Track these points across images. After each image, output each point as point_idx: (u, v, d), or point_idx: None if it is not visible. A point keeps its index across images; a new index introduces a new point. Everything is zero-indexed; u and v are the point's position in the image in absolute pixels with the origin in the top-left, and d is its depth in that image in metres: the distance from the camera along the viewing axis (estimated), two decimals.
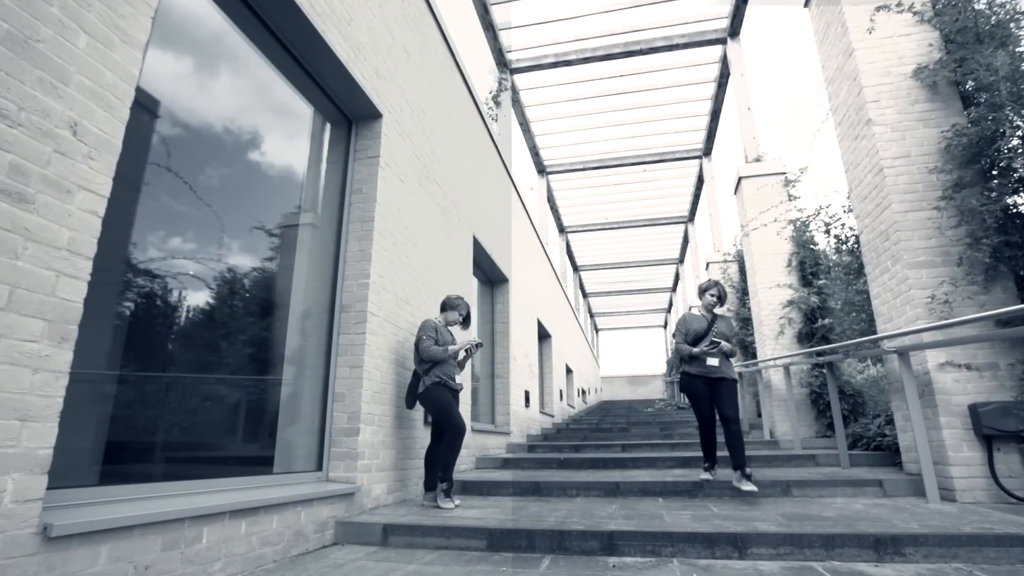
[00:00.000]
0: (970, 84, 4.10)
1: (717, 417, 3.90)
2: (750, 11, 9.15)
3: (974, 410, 3.52)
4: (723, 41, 9.57)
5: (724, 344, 3.83)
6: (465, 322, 4.15)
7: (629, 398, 26.85)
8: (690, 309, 4.73)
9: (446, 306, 4.06)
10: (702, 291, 4.08)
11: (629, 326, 33.29)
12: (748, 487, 3.60)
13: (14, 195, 1.53)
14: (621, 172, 13.76)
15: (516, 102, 10.95)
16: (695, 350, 3.90)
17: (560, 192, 15.27)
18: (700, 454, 5.84)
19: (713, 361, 3.83)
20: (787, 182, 7.90)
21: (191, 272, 2.55)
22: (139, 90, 2.06)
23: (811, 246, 7.48)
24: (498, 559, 2.61)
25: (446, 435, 3.67)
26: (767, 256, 7.61)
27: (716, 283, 4.02)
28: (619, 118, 11.73)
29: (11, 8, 1.55)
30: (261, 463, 2.95)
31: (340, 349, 3.50)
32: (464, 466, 5.43)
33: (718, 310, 4.13)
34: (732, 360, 3.99)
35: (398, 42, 4.34)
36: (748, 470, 3.69)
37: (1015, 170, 3.68)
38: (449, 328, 4.04)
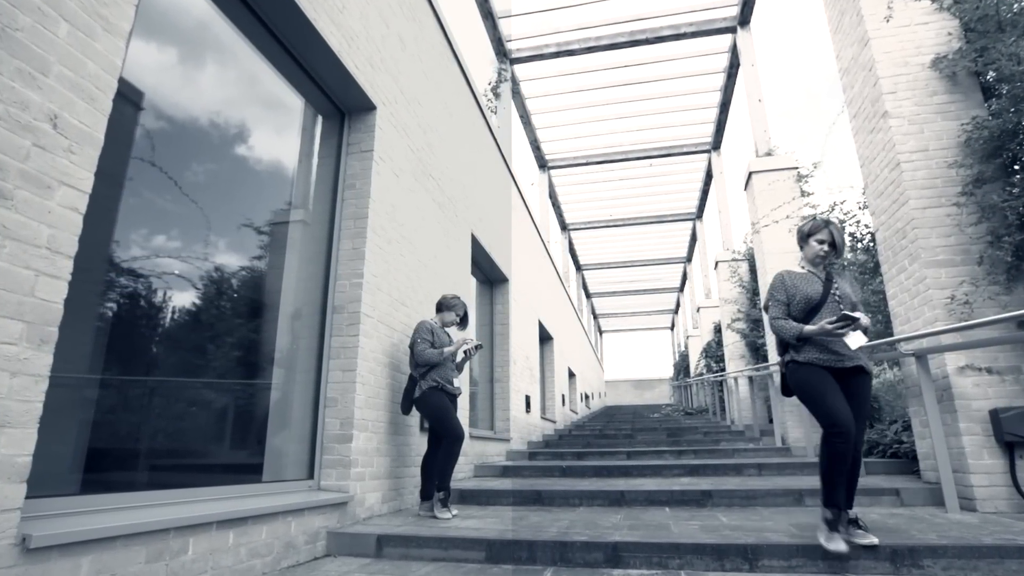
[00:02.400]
0: (991, 75, 4.10)
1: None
2: None
3: (995, 415, 3.52)
4: (733, 30, 9.58)
5: (863, 317, 2.57)
6: (462, 323, 4.15)
7: (634, 403, 26.88)
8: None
9: (442, 306, 4.06)
10: (805, 235, 2.85)
11: (634, 328, 33.32)
12: (868, 539, 2.51)
13: None
14: (626, 167, 13.78)
15: (516, 94, 10.96)
16: (810, 328, 2.64)
17: (562, 188, 15.28)
18: (711, 461, 5.84)
19: (855, 340, 2.60)
20: (800, 177, 7.90)
21: (176, 272, 2.55)
22: (122, 81, 2.06)
23: None
24: (497, 571, 2.61)
25: (443, 442, 3.67)
26: (779, 255, 7.60)
27: (827, 223, 2.81)
28: (624, 110, 11.74)
29: None
30: (250, 471, 2.95)
31: (332, 352, 3.50)
32: (462, 474, 5.43)
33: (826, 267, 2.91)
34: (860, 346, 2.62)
35: (393, 31, 4.34)
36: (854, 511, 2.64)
37: None
38: (446, 329, 4.04)
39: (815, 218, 2.87)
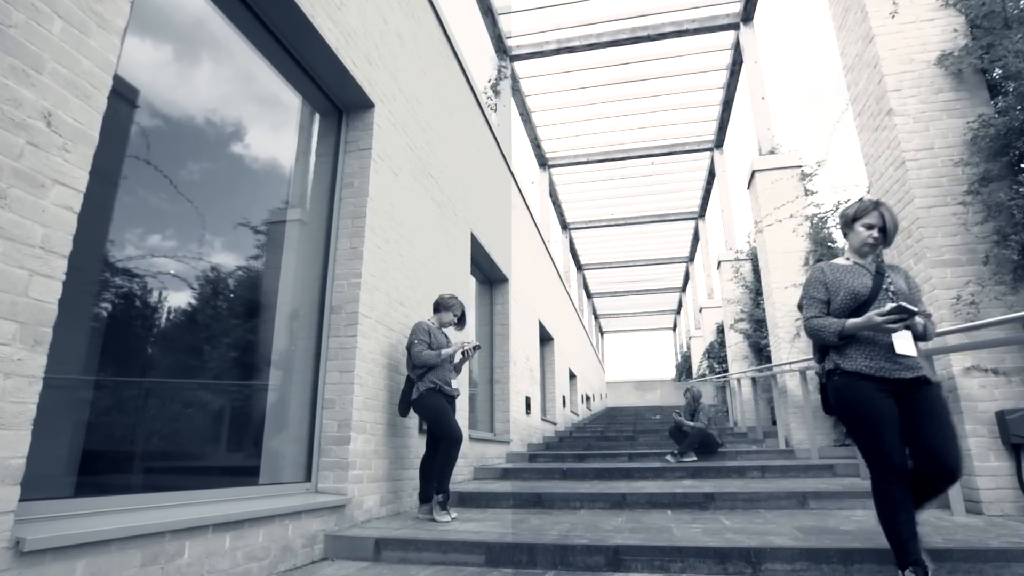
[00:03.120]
0: (997, 72, 4.10)
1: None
2: None
3: (1001, 417, 3.52)
4: (736, 26, 9.58)
5: (920, 315, 2.22)
6: (460, 323, 4.15)
7: (636, 404, 26.86)
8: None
9: (439, 306, 4.06)
10: (851, 220, 2.45)
11: (636, 328, 33.31)
12: None
13: None
14: (628, 165, 13.79)
15: (516, 91, 10.96)
16: (854, 322, 2.24)
17: (563, 186, 15.28)
18: (713, 464, 5.83)
19: (905, 346, 2.21)
20: (804, 176, 7.90)
21: (172, 271, 2.55)
22: (117, 78, 2.06)
23: (829, 244, 7.49)
24: (497, 575, 2.61)
25: (442, 444, 3.67)
26: (782, 254, 7.61)
27: (877, 204, 2.39)
28: (625, 108, 11.74)
29: None
30: (246, 473, 2.95)
31: (330, 353, 3.50)
32: (461, 477, 5.43)
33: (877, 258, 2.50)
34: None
35: (391, 27, 4.34)
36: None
37: None
38: (443, 330, 4.04)
39: (862, 199, 2.46)
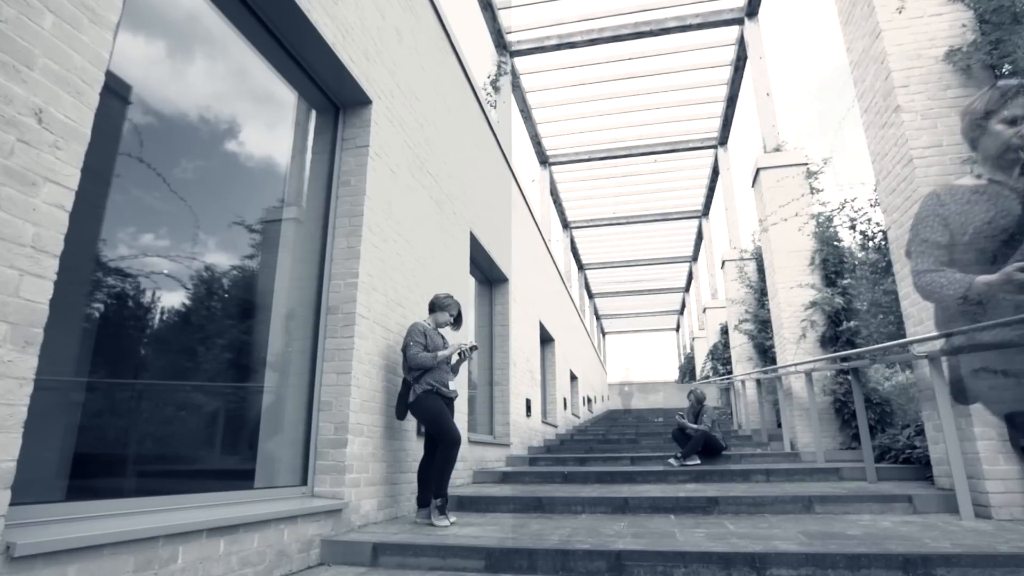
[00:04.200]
0: (1007, 68, 4.09)
1: None
2: None
3: (1011, 420, 3.52)
4: (740, 21, 9.58)
5: None
6: (457, 323, 4.15)
7: (639, 407, 26.87)
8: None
9: (435, 306, 4.06)
10: (982, 115, 1.57)
11: (638, 329, 33.34)
12: None
13: None
14: (630, 163, 13.79)
15: (516, 87, 10.96)
16: (986, 279, 1.36)
17: (564, 184, 15.29)
18: (717, 467, 5.83)
19: None
20: (809, 174, 7.90)
21: (165, 271, 2.55)
22: (109, 74, 2.06)
23: (835, 243, 7.49)
24: None
25: (440, 447, 3.67)
26: (787, 254, 7.60)
27: (1021, 87, 1.51)
28: (628, 104, 11.75)
29: None
30: (241, 477, 2.95)
31: (326, 354, 3.50)
32: (460, 480, 5.43)
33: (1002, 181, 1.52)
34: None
35: (389, 22, 4.34)
36: None
37: None
38: (440, 331, 4.04)
39: (994, 85, 1.51)
